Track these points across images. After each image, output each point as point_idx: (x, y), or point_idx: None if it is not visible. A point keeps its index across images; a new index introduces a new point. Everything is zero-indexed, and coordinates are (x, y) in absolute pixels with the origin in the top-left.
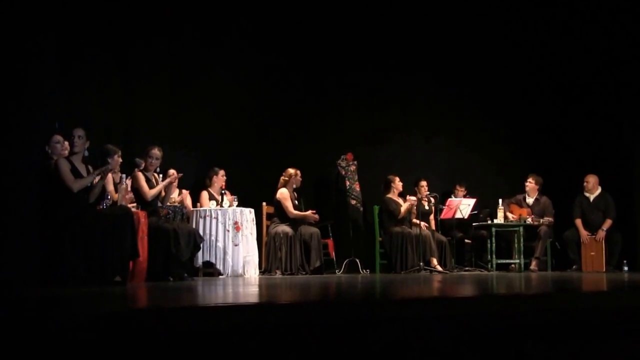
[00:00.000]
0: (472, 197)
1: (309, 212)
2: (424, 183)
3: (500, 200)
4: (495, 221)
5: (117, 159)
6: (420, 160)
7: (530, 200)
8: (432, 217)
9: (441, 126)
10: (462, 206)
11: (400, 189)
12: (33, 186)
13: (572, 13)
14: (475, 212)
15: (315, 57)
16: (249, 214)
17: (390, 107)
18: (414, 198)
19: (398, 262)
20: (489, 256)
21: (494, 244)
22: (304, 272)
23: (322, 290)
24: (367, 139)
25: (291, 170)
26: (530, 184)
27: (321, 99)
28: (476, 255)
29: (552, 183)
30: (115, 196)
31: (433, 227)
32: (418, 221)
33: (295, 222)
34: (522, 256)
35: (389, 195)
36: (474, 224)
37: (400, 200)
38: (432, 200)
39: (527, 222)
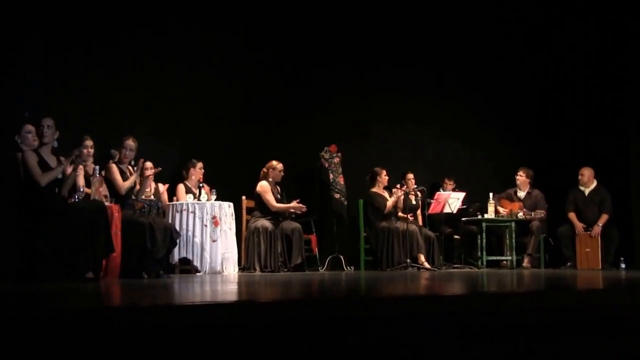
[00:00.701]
0: (461, 190)
1: (293, 203)
2: (410, 176)
3: (490, 194)
4: (486, 216)
5: (89, 149)
6: (407, 152)
7: (521, 194)
8: (419, 211)
9: (429, 117)
10: (451, 200)
11: (386, 182)
12: (4, 177)
13: (566, 3)
14: (465, 206)
15: (299, 47)
16: (227, 208)
17: (376, 97)
18: (400, 192)
19: (384, 259)
20: (479, 253)
21: (484, 240)
22: (285, 269)
23: (304, 287)
24: (351, 130)
25: (273, 163)
26: (521, 177)
27: (304, 90)
28: (466, 251)
29: (545, 177)
30: (88, 190)
31: (420, 222)
32: (405, 215)
33: (276, 217)
34: (514, 253)
35: (375, 189)
36: (463, 219)
37: (386, 194)
38: (420, 194)
39: (519, 217)
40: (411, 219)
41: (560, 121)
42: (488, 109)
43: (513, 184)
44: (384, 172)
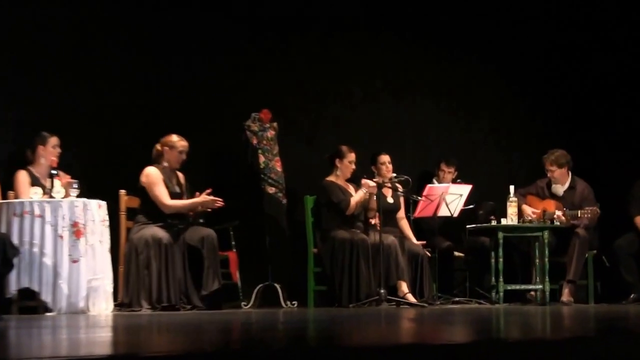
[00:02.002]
0: (465, 182)
1: (200, 197)
2: (385, 159)
3: (511, 189)
4: (504, 222)
5: None
6: (383, 125)
7: (558, 188)
8: (400, 214)
9: (418, 76)
10: (450, 197)
11: (352, 170)
12: None
13: None
14: (471, 206)
15: None
16: (97, 209)
17: (336, 43)
18: (371, 183)
19: (344, 289)
20: (493, 279)
21: (501, 260)
22: (188, 306)
23: (218, 335)
24: (295, 90)
25: (172, 138)
26: (554, 166)
27: (222, 32)
28: (472, 277)
29: (591, 166)
30: None
31: (403, 231)
32: (375, 221)
33: (173, 223)
34: (546, 279)
35: (332, 179)
36: (468, 226)
37: (351, 188)
38: (400, 187)
39: (556, 223)
40: (377, 224)
41: (611, 86)
42: (507, 71)
43: (543, 174)
44: (352, 155)
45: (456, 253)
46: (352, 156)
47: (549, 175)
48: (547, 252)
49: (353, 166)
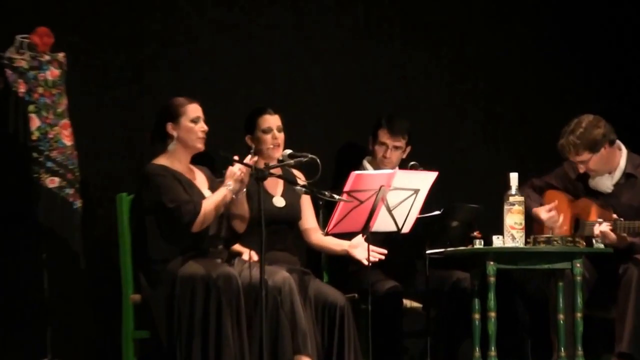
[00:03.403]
0: (427, 168)
1: None
2: (272, 122)
3: (512, 178)
4: (497, 242)
5: None
6: (272, 65)
7: (604, 181)
8: (306, 224)
9: None
10: (397, 195)
11: (199, 138)
12: None
13: None
14: (437, 212)
15: None
16: None
17: None
18: (242, 169)
19: None
20: (477, 351)
21: (492, 314)
22: None
23: None
24: None
25: None
26: (583, 156)
27: None
28: (438, 347)
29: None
30: None
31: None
32: (244, 251)
33: None
34: (579, 349)
35: (163, 162)
36: (430, 251)
37: (200, 177)
38: (300, 176)
39: (598, 245)
40: (254, 252)
41: None
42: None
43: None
44: (195, 110)
45: (408, 302)
46: (195, 111)
47: (580, 171)
48: (579, 298)
49: (200, 134)
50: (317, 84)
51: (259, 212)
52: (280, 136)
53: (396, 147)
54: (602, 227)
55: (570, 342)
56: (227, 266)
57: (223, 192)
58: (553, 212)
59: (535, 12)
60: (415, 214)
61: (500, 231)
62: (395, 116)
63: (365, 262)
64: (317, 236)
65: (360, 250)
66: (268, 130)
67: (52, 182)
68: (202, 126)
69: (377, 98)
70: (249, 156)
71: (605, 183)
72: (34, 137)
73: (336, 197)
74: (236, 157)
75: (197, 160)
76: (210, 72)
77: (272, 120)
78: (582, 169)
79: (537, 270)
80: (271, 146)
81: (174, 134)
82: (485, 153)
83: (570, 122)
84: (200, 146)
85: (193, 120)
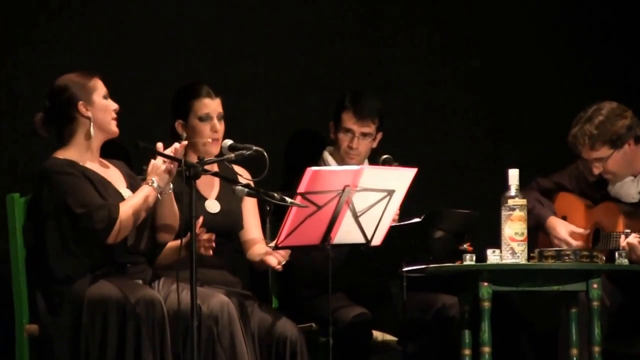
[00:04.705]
0: (404, 165)
1: None
2: (209, 105)
3: (511, 176)
4: (493, 258)
5: None
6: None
7: (626, 186)
8: (248, 235)
9: None
10: (365, 197)
11: (111, 120)
12: None
13: None
14: (417, 219)
15: None
16: None
17: None
18: (168, 165)
19: None
20: None
21: (486, 349)
22: None
23: None
24: None
25: None
26: (599, 152)
27: None
28: None
29: None
30: None
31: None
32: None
33: None
34: None
35: (68, 155)
36: (407, 269)
37: (116, 175)
38: (243, 172)
39: (621, 260)
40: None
41: None
42: None
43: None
44: (97, 86)
45: (379, 334)
46: (100, 88)
47: (594, 172)
48: (597, 329)
49: (114, 114)
50: (264, 55)
51: (189, 219)
52: (221, 127)
53: (364, 135)
54: (631, 239)
55: None
56: (149, 288)
57: (145, 192)
58: (580, 242)
59: None
60: (388, 221)
61: (496, 243)
62: (362, 95)
63: (278, 267)
64: (255, 249)
65: (281, 254)
66: (206, 118)
67: None
68: (113, 104)
69: (341, 73)
70: (176, 144)
71: (629, 191)
72: None
73: (288, 200)
74: (160, 145)
75: (107, 153)
76: (114, 38)
77: (212, 106)
78: (597, 169)
79: (543, 293)
80: (209, 140)
81: (89, 114)
82: (477, 145)
83: (588, 108)
84: (115, 129)
85: (105, 96)
